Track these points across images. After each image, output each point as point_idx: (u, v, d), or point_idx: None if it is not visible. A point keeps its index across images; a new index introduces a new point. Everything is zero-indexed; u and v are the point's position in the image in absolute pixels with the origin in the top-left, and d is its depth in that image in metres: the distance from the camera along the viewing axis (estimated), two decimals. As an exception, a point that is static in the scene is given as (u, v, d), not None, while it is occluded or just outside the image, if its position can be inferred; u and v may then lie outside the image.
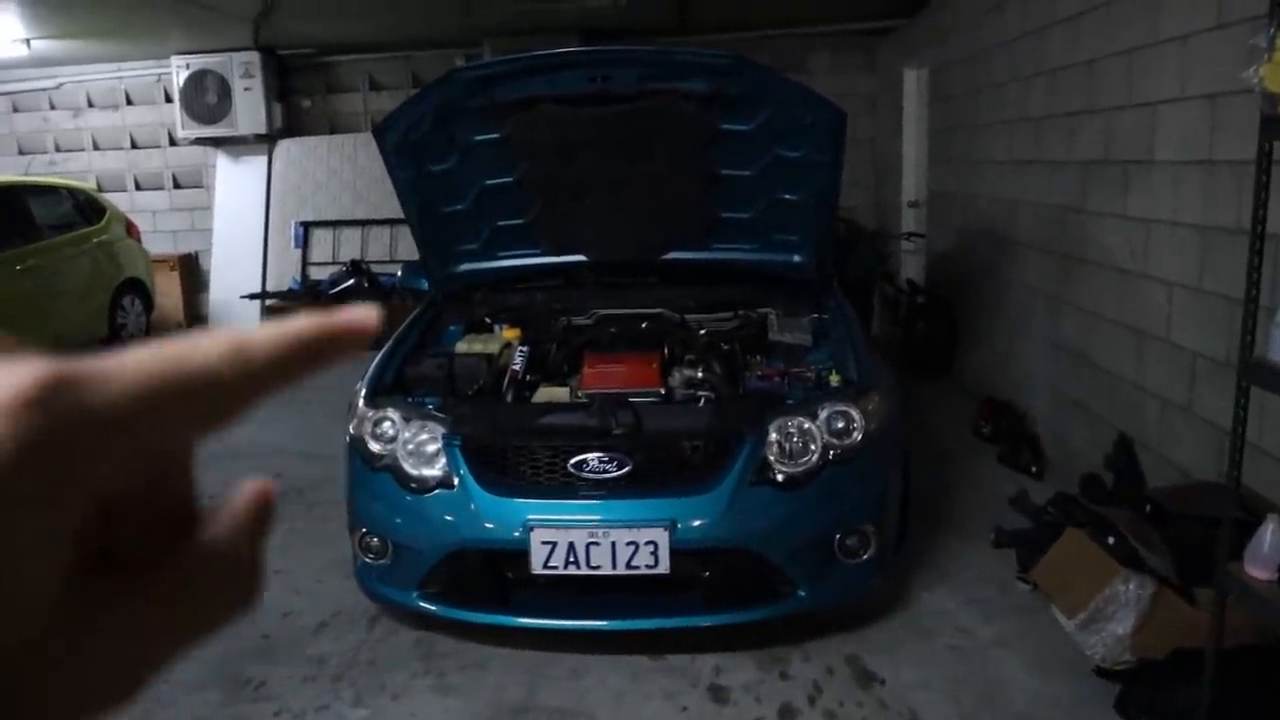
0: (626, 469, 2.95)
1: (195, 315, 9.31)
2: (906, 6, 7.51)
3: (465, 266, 4.06)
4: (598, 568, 2.89)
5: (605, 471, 2.95)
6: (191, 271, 9.39)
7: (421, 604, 3.10)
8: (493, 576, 3.05)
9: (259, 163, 8.89)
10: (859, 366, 3.37)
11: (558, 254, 4.07)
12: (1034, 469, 4.69)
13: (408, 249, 8.61)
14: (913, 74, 7.79)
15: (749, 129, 3.42)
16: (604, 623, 3.00)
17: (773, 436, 3.02)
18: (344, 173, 8.69)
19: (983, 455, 5.00)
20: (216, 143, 8.96)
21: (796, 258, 4.00)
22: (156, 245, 9.13)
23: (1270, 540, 2.32)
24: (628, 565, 2.88)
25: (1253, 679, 2.55)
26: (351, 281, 7.98)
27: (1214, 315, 3.32)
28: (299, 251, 8.69)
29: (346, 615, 3.46)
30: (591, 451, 2.97)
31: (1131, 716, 2.71)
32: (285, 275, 8.64)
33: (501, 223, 3.89)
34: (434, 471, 3.04)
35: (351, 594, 3.52)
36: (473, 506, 2.96)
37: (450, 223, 3.85)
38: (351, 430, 3.29)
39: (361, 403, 3.32)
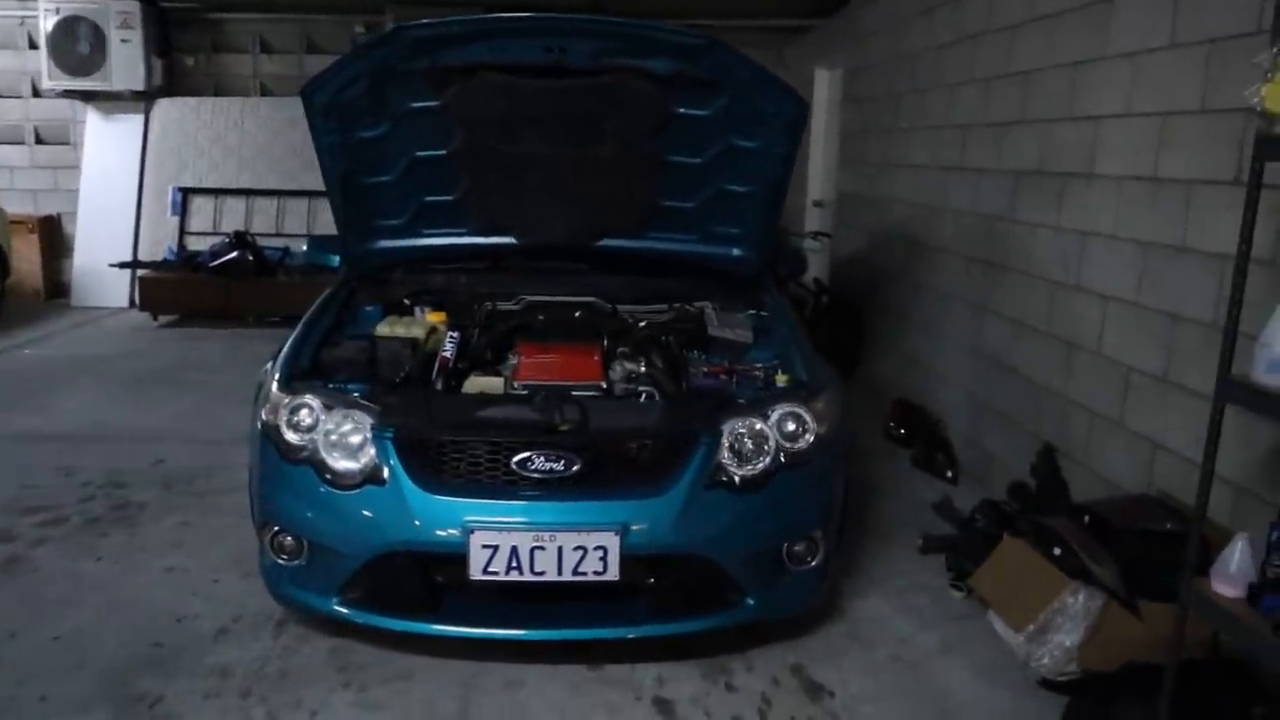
0: (575, 468, 2.75)
1: (56, 282, 8.54)
2: (823, 7, 7.52)
3: (385, 243, 3.77)
4: (542, 574, 2.68)
5: (551, 471, 2.74)
6: (53, 235, 8.59)
7: (341, 610, 2.83)
8: (422, 581, 2.80)
9: (134, 122, 8.21)
10: (807, 367, 3.27)
11: (485, 235, 3.82)
12: (949, 474, 4.71)
13: (295, 222, 8.16)
14: (825, 74, 7.81)
15: (705, 114, 3.27)
16: (544, 633, 2.80)
17: (726, 438, 2.88)
18: (229, 138, 8.13)
19: (896, 458, 5.01)
20: (86, 97, 8.23)
21: (736, 251, 3.88)
22: (13, 205, 8.33)
23: (1239, 559, 2.32)
24: (574, 571, 2.68)
25: (1204, 692, 2.56)
26: (235, 254, 7.46)
27: (1152, 330, 3.36)
28: (176, 219, 8.08)
29: (250, 620, 3.15)
30: (536, 449, 2.76)
31: (1081, 729, 2.69)
32: (160, 244, 8.02)
33: (429, 198, 3.62)
34: (360, 465, 2.77)
35: (255, 596, 3.22)
36: (406, 506, 2.71)
37: (373, 195, 3.56)
38: (264, 417, 2.98)
39: (275, 387, 3.01)
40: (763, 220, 3.71)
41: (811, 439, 2.98)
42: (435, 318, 3.52)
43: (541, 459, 2.74)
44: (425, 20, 2.90)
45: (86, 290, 8.22)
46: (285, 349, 3.23)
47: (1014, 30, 4.40)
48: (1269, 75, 2.16)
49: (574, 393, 3.02)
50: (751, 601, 2.90)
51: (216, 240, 7.71)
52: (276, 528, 2.90)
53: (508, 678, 2.85)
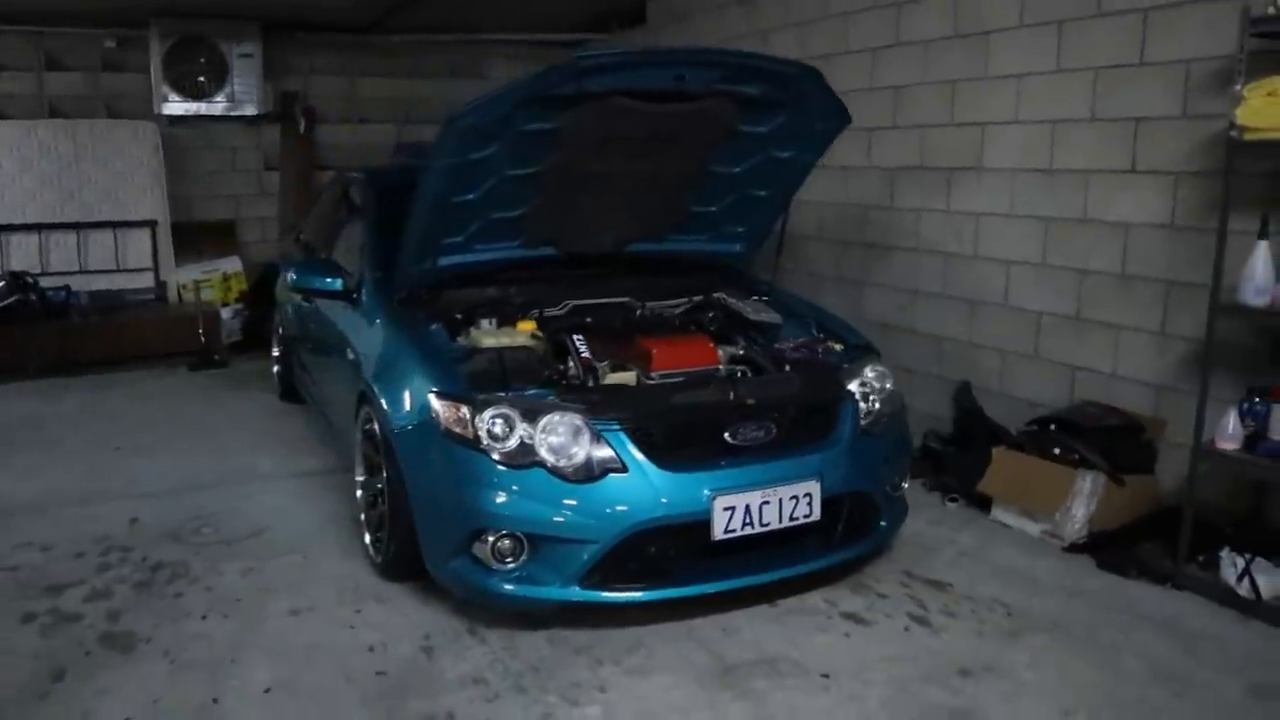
0: (773, 433, 3.25)
1: None
2: (613, 22, 8.14)
3: (445, 260, 3.87)
4: (768, 524, 3.16)
5: (756, 438, 3.22)
6: None
7: (587, 594, 3.07)
8: (662, 554, 3.13)
9: None
10: (853, 332, 3.99)
11: (532, 247, 4.06)
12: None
13: (62, 258, 7.30)
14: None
15: (762, 130, 3.82)
16: (767, 575, 3.25)
17: (857, 395, 3.53)
18: (-34, 167, 7.02)
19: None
20: None
21: (738, 247, 4.47)
22: None
23: (1233, 424, 3.41)
24: (790, 517, 3.19)
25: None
26: (15, 298, 6.53)
27: (1059, 284, 4.48)
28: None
29: (440, 635, 3.21)
30: (739, 421, 3.22)
31: (1116, 569, 3.68)
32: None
33: (496, 215, 3.80)
34: (596, 458, 3.05)
35: (417, 613, 3.36)
36: (652, 486, 3.04)
37: (453, 213, 3.67)
38: (451, 430, 3.13)
39: (442, 399, 3.20)
40: (769, 218, 4.36)
41: (890, 387, 3.72)
42: (526, 326, 3.74)
43: (750, 428, 3.21)
44: (601, 52, 3.19)
45: None
46: (421, 365, 3.34)
47: (874, 52, 5.42)
48: (1241, 99, 3.25)
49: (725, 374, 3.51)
50: (884, 523, 3.59)
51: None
52: (499, 532, 3.06)
53: (721, 626, 3.26)
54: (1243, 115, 3.26)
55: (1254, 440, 3.40)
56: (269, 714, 2.78)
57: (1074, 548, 3.90)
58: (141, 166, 7.59)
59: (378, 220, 4.32)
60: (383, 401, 3.45)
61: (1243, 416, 3.45)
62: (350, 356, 3.95)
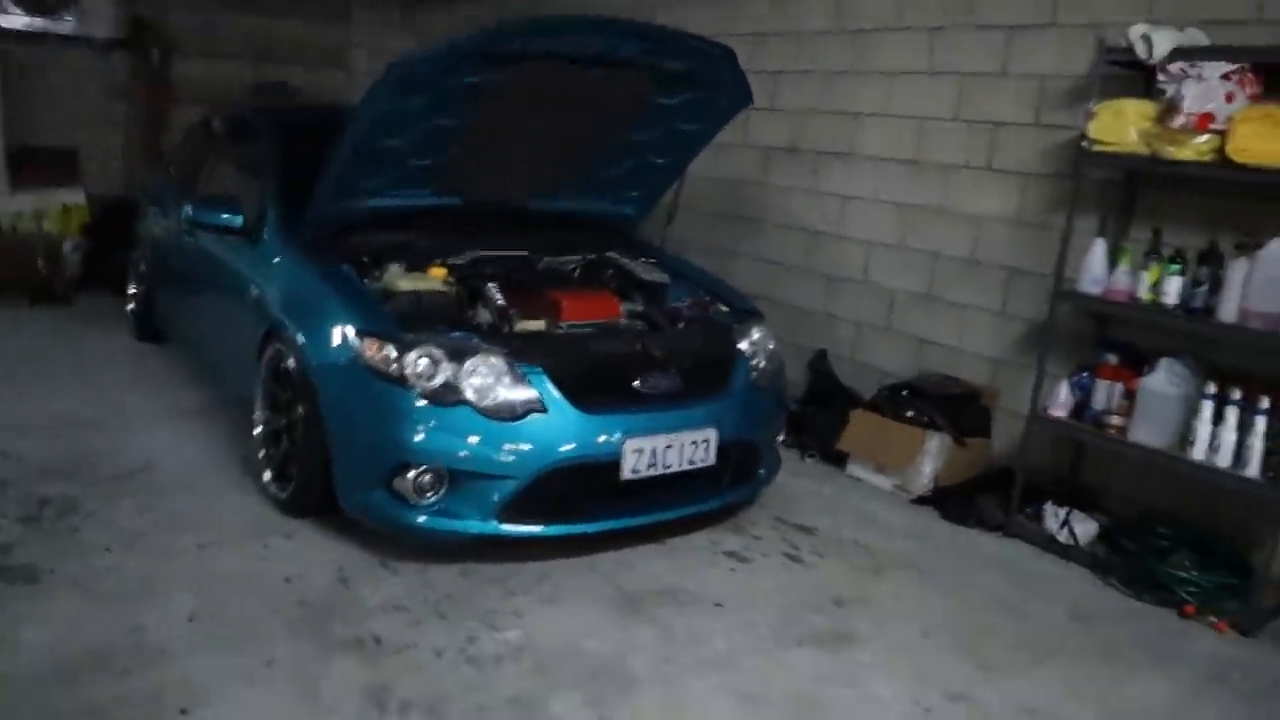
0: (677, 383, 3.52)
1: None
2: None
3: (366, 202, 3.91)
4: (669, 466, 3.43)
5: (662, 387, 3.48)
6: None
7: (504, 528, 3.25)
8: (573, 491, 3.34)
9: None
10: (740, 297, 4.32)
11: (439, 195, 4.15)
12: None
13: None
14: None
15: (671, 103, 4.06)
16: (666, 513, 3.53)
17: (747, 352, 3.85)
18: None
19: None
20: None
21: (629, 210, 4.71)
22: None
23: (1065, 393, 3.95)
24: (689, 461, 3.48)
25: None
26: None
27: (915, 264, 4.98)
28: None
29: (353, 568, 3.32)
30: (648, 371, 3.47)
31: (957, 519, 4.19)
32: None
33: (414, 162, 3.86)
34: (521, 398, 3.23)
35: (326, 550, 3.42)
36: (570, 427, 3.25)
37: (373, 158, 3.71)
38: (376, 368, 3.24)
39: (367, 339, 3.31)
40: (662, 185, 4.61)
41: (772, 346, 4.07)
42: (438, 273, 3.84)
43: (656, 378, 3.48)
44: (551, 17, 3.33)
45: None
46: (346, 302, 3.42)
47: (758, 36, 5.76)
48: (1092, 115, 3.75)
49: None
50: (763, 471, 3.94)
51: None
52: (423, 465, 3.19)
53: (618, 561, 3.52)
54: (1093, 130, 3.76)
55: (1080, 409, 3.95)
56: (198, 640, 2.82)
57: (921, 500, 4.39)
58: (-29, 81, 7.02)
59: (283, 160, 4.28)
60: (299, 338, 3.49)
61: (1072, 388, 4.00)
62: (253, 293, 3.93)
